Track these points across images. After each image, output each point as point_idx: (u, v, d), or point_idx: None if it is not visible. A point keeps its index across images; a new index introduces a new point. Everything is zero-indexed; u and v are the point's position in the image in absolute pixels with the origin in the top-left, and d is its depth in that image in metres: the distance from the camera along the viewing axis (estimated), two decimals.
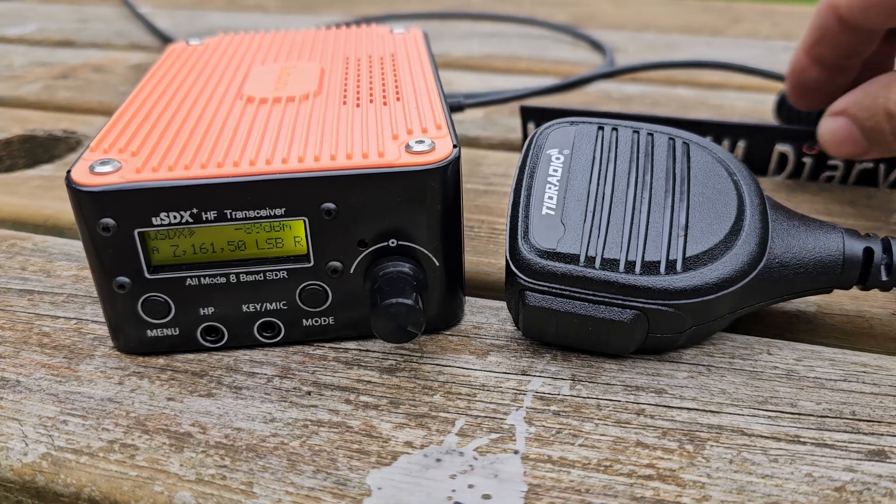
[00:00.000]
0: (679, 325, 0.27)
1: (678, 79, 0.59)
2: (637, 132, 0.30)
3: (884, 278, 0.28)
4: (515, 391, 0.28)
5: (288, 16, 0.80)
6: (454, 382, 0.28)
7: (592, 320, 0.27)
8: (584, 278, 0.27)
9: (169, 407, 0.27)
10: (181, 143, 0.28)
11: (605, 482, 0.24)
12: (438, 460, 0.25)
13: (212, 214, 0.27)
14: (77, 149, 0.49)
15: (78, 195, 0.26)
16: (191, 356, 0.30)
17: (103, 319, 0.32)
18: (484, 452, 0.25)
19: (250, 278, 0.28)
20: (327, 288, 0.29)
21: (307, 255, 0.28)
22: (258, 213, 0.27)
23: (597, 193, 0.29)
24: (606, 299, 0.27)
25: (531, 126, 0.43)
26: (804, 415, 0.26)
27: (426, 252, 0.28)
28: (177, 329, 0.29)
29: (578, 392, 0.28)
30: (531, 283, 0.27)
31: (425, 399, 0.27)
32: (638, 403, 0.27)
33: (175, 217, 0.27)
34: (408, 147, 0.28)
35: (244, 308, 0.29)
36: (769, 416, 0.26)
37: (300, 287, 0.29)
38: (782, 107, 0.45)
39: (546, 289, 0.27)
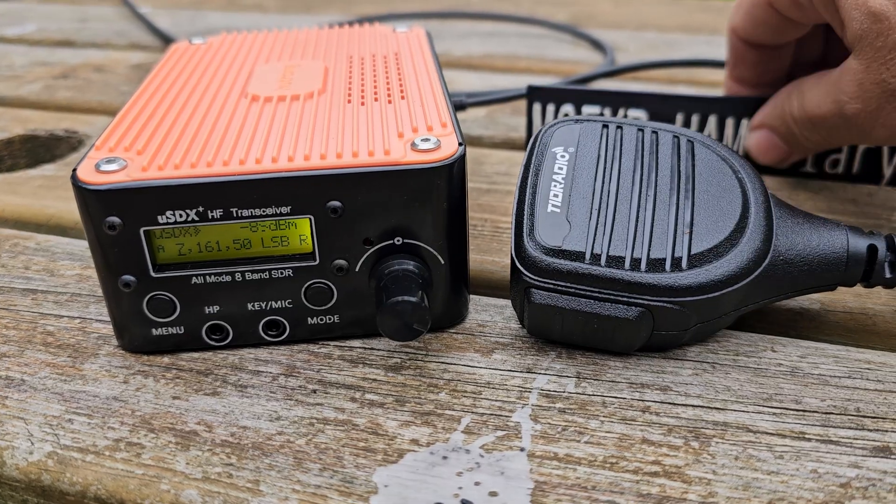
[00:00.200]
0: (684, 323, 0.27)
1: (679, 78, 0.59)
2: (641, 130, 0.30)
3: (888, 275, 0.28)
4: (521, 389, 0.28)
5: (287, 15, 0.80)
6: (459, 380, 0.28)
7: (598, 318, 0.27)
8: (589, 276, 0.27)
9: (174, 405, 0.27)
10: (186, 141, 0.28)
11: (612, 479, 0.24)
12: (445, 458, 0.25)
13: (217, 213, 0.27)
14: (79, 148, 0.49)
15: (84, 193, 0.26)
16: (196, 355, 0.30)
17: (108, 318, 0.32)
18: (490, 450, 0.25)
19: (255, 277, 0.28)
20: (333, 286, 0.29)
21: (313, 253, 0.28)
22: (264, 212, 0.27)
23: (602, 191, 0.29)
24: (612, 296, 0.27)
25: (536, 106, 0.43)
26: (809, 411, 0.26)
27: (431, 250, 0.28)
28: (182, 328, 0.29)
29: (584, 389, 0.28)
30: (537, 280, 0.27)
31: (431, 397, 0.28)
32: (643, 400, 0.27)
33: (181, 215, 0.27)
34: (413, 145, 0.28)
35: (249, 306, 0.29)
36: (774, 413, 0.26)
37: (305, 285, 0.29)
38: None
39: (551, 286, 0.27)
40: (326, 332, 0.30)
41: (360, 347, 0.30)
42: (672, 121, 0.42)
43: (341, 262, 0.28)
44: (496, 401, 0.27)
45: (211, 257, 0.28)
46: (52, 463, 0.25)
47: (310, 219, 0.27)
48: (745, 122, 0.41)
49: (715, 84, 0.57)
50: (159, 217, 0.27)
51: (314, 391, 0.28)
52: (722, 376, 0.28)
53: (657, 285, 0.27)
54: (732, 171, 0.29)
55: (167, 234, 0.27)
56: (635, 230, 0.28)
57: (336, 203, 0.27)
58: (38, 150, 0.49)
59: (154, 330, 0.29)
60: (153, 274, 0.28)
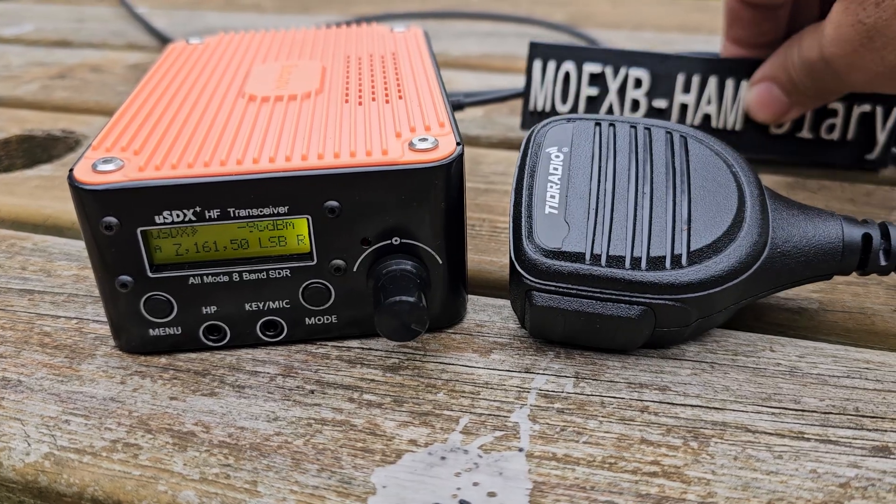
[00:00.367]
0: (685, 319, 0.27)
1: None
2: (634, 127, 0.30)
3: (882, 263, 0.29)
4: (519, 389, 0.28)
5: (284, 16, 0.80)
6: (457, 380, 0.28)
7: (600, 318, 0.27)
8: (590, 276, 0.27)
9: (172, 406, 0.27)
10: (184, 141, 0.28)
11: (610, 479, 0.24)
12: (443, 458, 0.25)
13: (215, 213, 0.27)
14: (76, 149, 0.49)
15: (80, 194, 0.26)
16: (193, 355, 0.30)
17: (104, 319, 0.31)
18: (488, 450, 0.25)
19: (253, 277, 0.28)
20: (330, 286, 0.29)
21: (310, 253, 0.28)
22: (261, 212, 0.27)
23: (598, 190, 0.29)
24: (613, 296, 0.27)
25: (537, 63, 0.43)
26: (808, 411, 0.26)
27: (429, 250, 0.28)
28: (179, 328, 0.29)
29: (582, 389, 0.28)
30: (538, 283, 0.27)
31: (429, 397, 0.27)
32: (642, 400, 0.27)
33: (178, 215, 0.27)
34: (411, 145, 0.27)
35: (247, 307, 0.29)
36: (773, 413, 0.26)
37: (303, 285, 0.28)
38: None
39: (553, 288, 0.27)
40: (324, 333, 0.30)
41: (357, 348, 0.30)
42: (673, 81, 0.42)
43: (339, 262, 0.28)
44: (494, 401, 0.27)
45: (208, 257, 0.28)
46: (48, 464, 0.25)
47: (307, 219, 0.27)
48: (744, 83, 0.41)
49: None
50: (156, 217, 0.27)
51: (312, 391, 0.28)
52: (721, 376, 0.28)
53: (658, 283, 0.27)
54: (727, 166, 0.29)
55: (164, 234, 0.27)
56: (634, 229, 0.28)
57: (334, 203, 0.27)
58: (35, 151, 0.49)
59: (151, 330, 0.29)
60: (150, 274, 0.28)
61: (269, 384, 0.28)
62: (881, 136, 0.41)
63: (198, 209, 0.27)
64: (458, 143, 0.28)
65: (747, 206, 0.28)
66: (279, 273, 0.28)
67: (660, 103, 0.42)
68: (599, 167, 0.29)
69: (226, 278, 0.28)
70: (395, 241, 0.28)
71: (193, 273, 0.28)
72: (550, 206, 0.28)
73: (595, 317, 0.27)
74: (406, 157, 0.27)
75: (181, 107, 0.31)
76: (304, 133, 0.29)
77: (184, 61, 0.37)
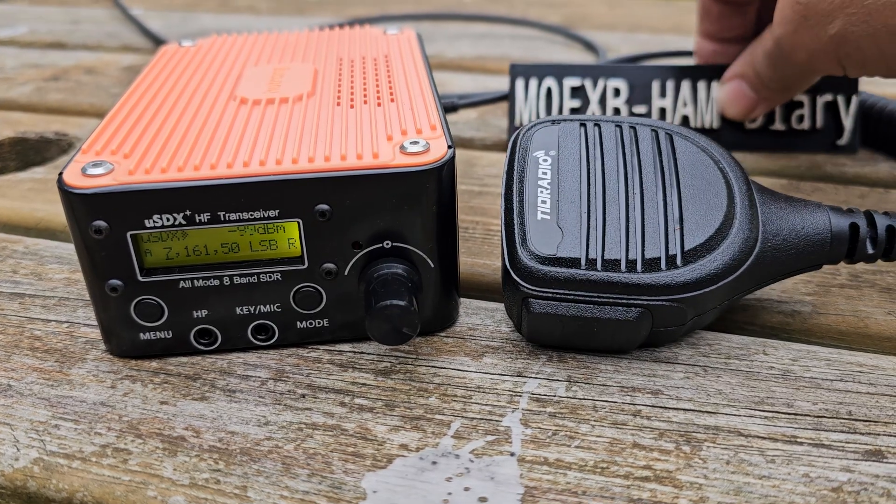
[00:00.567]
0: (681, 318, 0.28)
1: None
2: (619, 126, 0.30)
3: (870, 251, 0.29)
4: (511, 393, 0.28)
5: (279, 18, 0.80)
6: (449, 384, 0.28)
7: (598, 322, 0.27)
8: (587, 281, 0.27)
9: (162, 411, 0.27)
10: (174, 144, 0.28)
11: (602, 484, 0.24)
12: (434, 463, 0.25)
13: (205, 216, 0.27)
14: (69, 151, 0.49)
15: (70, 197, 0.26)
16: (184, 359, 0.30)
17: (95, 323, 0.31)
18: (480, 455, 0.25)
19: (244, 280, 0.28)
20: (321, 290, 0.28)
21: (301, 256, 0.28)
22: (252, 215, 0.27)
23: (589, 194, 0.29)
24: (610, 300, 0.27)
25: (519, 82, 0.46)
26: (801, 415, 0.26)
27: (421, 253, 0.28)
28: (170, 332, 0.29)
29: (574, 393, 0.27)
30: (534, 290, 0.27)
31: (420, 401, 0.27)
32: (634, 405, 0.27)
33: (168, 219, 0.26)
34: (402, 148, 0.27)
35: (238, 311, 0.29)
36: (766, 417, 0.26)
37: (294, 289, 0.28)
38: None
39: (550, 295, 0.27)
40: (315, 336, 0.30)
41: (349, 351, 0.30)
42: (649, 88, 0.45)
43: (330, 265, 0.28)
44: (486, 405, 0.27)
45: (199, 261, 0.28)
46: (37, 469, 0.25)
47: (298, 222, 0.27)
48: (715, 84, 0.45)
49: None
50: (146, 221, 0.26)
51: (303, 396, 0.28)
52: (713, 380, 0.28)
53: (655, 285, 0.27)
54: (713, 162, 0.29)
55: (154, 237, 0.27)
56: (627, 230, 0.28)
57: (324, 206, 0.27)
58: (28, 153, 0.49)
59: (142, 334, 0.29)
60: (140, 278, 0.27)
61: (260, 388, 0.28)
62: (847, 123, 0.44)
63: (188, 213, 0.26)
64: (449, 147, 0.28)
65: (737, 201, 0.28)
66: (270, 277, 0.28)
67: (639, 109, 0.45)
68: (588, 169, 0.29)
69: (216, 282, 0.28)
70: (387, 244, 0.28)
71: (184, 277, 0.28)
72: (542, 212, 0.28)
73: (593, 321, 0.27)
74: (397, 160, 0.27)
75: (172, 110, 0.31)
76: (295, 136, 0.29)
77: (175, 64, 0.37)
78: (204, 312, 0.29)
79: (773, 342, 0.30)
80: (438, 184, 0.27)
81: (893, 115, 0.44)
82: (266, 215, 0.27)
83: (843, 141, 0.45)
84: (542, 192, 0.29)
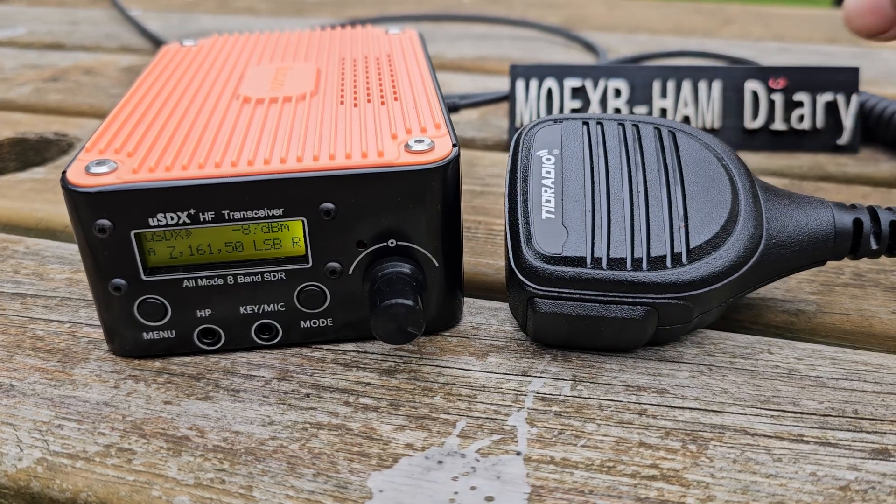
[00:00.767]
0: (688, 316, 0.27)
1: None
2: (622, 125, 0.30)
3: (874, 247, 0.29)
4: (516, 392, 0.27)
5: (278, 19, 0.80)
6: (454, 384, 0.28)
7: (604, 320, 0.27)
8: (593, 280, 0.27)
9: (166, 410, 0.27)
10: (178, 143, 0.28)
11: (609, 483, 0.24)
12: (440, 462, 0.25)
13: (209, 215, 0.26)
14: (69, 151, 0.49)
15: (73, 196, 0.26)
16: (187, 359, 0.29)
17: (98, 322, 0.31)
18: (486, 454, 0.25)
19: (248, 280, 0.28)
20: (326, 289, 0.28)
21: (305, 255, 0.28)
22: (256, 214, 0.27)
23: (593, 192, 0.28)
24: (617, 298, 0.27)
25: (519, 83, 0.45)
26: (807, 414, 0.26)
27: (425, 252, 0.28)
28: (173, 331, 0.29)
29: (580, 392, 0.27)
30: (540, 289, 0.27)
31: (425, 401, 0.27)
32: (640, 404, 0.27)
33: (172, 218, 0.26)
34: (407, 146, 0.27)
35: (241, 310, 0.29)
36: (772, 416, 0.26)
37: (298, 288, 0.28)
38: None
39: (556, 294, 0.27)
40: (319, 336, 0.30)
41: (353, 351, 0.30)
42: (650, 89, 0.45)
43: (334, 264, 0.28)
44: (492, 404, 0.27)
45: (202, 260, 0.28)
46: (41, 469, 0.25)
47: (302, 221, 0.27)
48: (715, 83, 0.45)
49: None
50: (150, 220, 0.26)
51: (307, 395, 0.28)
52: (719, 379, 0.28)
53: (661, 283, 0.27)
54: (717, 159, 0.29)
55: (158, 236, 0.27)
56: (632, 229, 0.27)
57: (329, 205, 0.27)
58: (28, 154, 0.49)
59: (145, 334, 0.29)
60: (144, 277, 0.27)
61: (265, 388, 0.28)
62: (847, 122, 0.44)
63: (192, 211, 0.26)
64: (454, 145, 0.28)
65: (741, 199, 0.28)
66: (274, 276, 0.28)
67: (640, 110, 0.45)
68: (592, 168, 0.29)
69: (220, 281, 0.28)
70: (391, 243, 0.28)
71: (188, 276, 0.28)
72: (547, 211, 0.28)
73: (599, 320, 0.27)
74: (402, 158, 0.27)
75: (175, 108, 0.31)
76: (300, 135, 0.28)
77: (178, 63, 0.37)
78: (207, 312, 0.28)
79: (778, 341, 0.30)
80: (443, 182, 0.27)
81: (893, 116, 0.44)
82: (270, 214, 0.27)
83: (844, 140, 0.45)
84: (546, 191, 0.29)
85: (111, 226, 0.26)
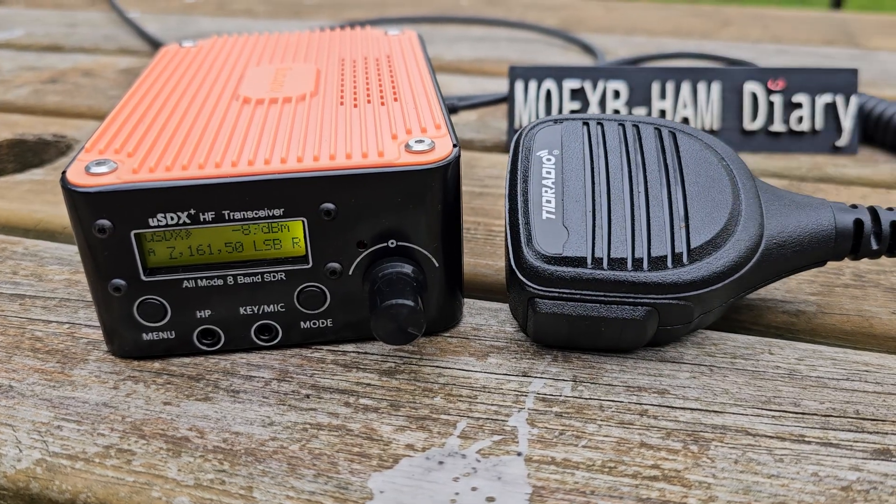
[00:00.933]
0: (688, 316, 0.27)
1: None
2: (622, 125, 0.30)
3: (874, 247, 0.29)
4: (517, 393, 0.27)
5: (276, 21, 0.80)
6: (454, 384, 0.28)
7: (605, 321, 0.27)
8: (594, 280, 0.27)
9: (165, 411, 0.27)
10: (178, 143, 0.28)
11: (610, 483, 0.24)
12: (441, 463, 0.25)
13: (209, 215, 0.26)
14: (67, 153, 0.49)
15: (73, 196, 0.26)
16: (187, 360, 0.29)
17: (97, 323, 0.31)
18: (487, 454, 0.25)
19: (248, 280, 0.28)
20: (326, 290, 0.28)
21: (305, 256, 0.28)
22: (256, 214, 0.27)
23: (594, 192, 0.28)
24: (618, 299, 0.27)
25: (518, 84, 0.46)
26: (808, 414, 0.26)
27: (426, 253, 0.28)
28: (173, 332, 0.29)
29: (580, 393, 0.27)
30: (540, 290, 0.27)
31: (426, 401, 0.27)
32: (641, 404, 0.27)
33: (172, 218, 0.26)
34: (407, 147, 0.27)
35: (241, 311, 0.28)
36: (773, 416, 0.26)
37: (298, 289, 0.28)
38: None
39: (556, 294, 0.27)
40: (319, 336, 0.29)
41: (353, 351, 0.30)
42: (649, 90, 0.45)
43: (334, 265, 0.28)
44: (492, 405, 0.27)
45: (202, 261, 0.28)
46: (40, 470, 0.25)
47: (303, 221, 0.27)
48: (715, 85, 0.45)
49: None
50: (150, 220, 0.26)
51: (307, 396, 0.27)
52: (720, 379, 0.28)
53: (662, 283, 0.27)
54: (718, 159, 0.29)
55: (158, 237, 0.27)
56: (633, 229, 0.27)
57: (329, 205, 0.27)
58: (27, 155, 0.48)
59: (145, 335, 0.29)
60: (144, 278, 0.27)
61: (264, 389, 0.28)
62: (846, 123, 0.45)
63: (192, 212, 0.26)
64: (454, 145, 0.28)
65: (742, 199, 0.28)
66: (274, 276, 0.28)
67: (639, 111, 0.45)
68: (592, 168, 0.29)
69: (220, 282, 0.28)
70: (392, 243, 0.28)
71: (187, 276, 0.28)
72: (547, 212, 0.28)
73: (600, 320, 0.27)
74: (402, 158, 0.27)
75: (175, 109, 0.31)
76: (300, 135, 0.28)
77: (177, 64, 0.37)
78: (207, 312, 0.28)
79: (779, 342, 0.30)
80: (444, 182, 0.27)
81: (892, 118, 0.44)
82: (270, 214, 0.27)
83: (843, 142, 0.45)
84: (546, 191, 0.29)
85: (111, 226, 0.26)
